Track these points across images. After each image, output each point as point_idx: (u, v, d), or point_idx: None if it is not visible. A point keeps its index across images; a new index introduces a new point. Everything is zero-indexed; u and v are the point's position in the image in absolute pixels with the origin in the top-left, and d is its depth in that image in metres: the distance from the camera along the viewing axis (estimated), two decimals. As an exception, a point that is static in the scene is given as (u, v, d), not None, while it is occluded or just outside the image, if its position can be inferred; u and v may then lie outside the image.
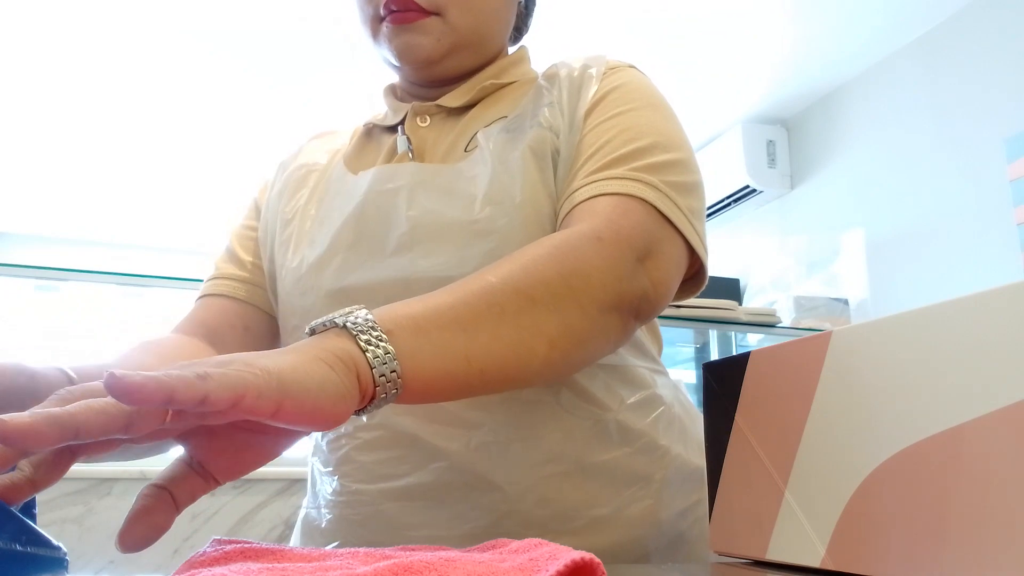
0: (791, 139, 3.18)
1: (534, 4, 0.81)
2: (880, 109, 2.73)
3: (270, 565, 0.35)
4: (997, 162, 2.24)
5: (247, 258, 0.77)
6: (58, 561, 0.38)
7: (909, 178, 2.56)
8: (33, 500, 0.39)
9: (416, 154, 0.70)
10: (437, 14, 0.68)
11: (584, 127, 0.65)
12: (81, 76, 2.84)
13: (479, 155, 0.66)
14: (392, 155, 0.72)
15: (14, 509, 0.36)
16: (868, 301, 2.67)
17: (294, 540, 0.73)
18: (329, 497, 0.68)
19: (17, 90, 2.93)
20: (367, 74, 2.69)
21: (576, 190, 0.61)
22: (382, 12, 0.69)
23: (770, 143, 3.15)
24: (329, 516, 0.68)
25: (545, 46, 0.87)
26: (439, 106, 0.72)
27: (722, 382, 0.51)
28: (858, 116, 2.83)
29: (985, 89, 2.32)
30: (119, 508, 2.04)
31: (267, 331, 0.76)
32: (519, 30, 0.80)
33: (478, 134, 0.68)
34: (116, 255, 4.36)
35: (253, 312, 0.75)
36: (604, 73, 0.69)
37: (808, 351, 0.43)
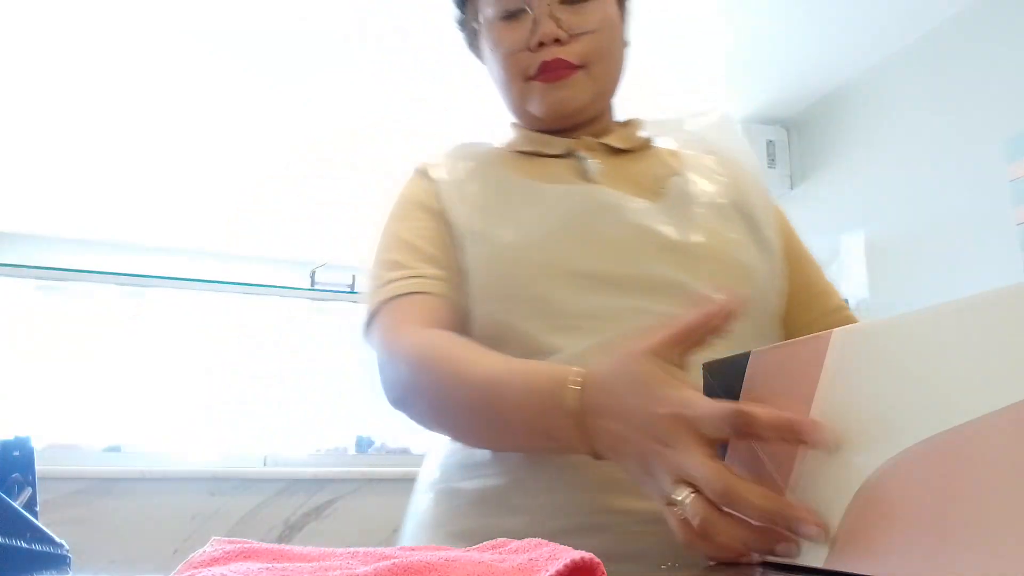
0: (791, 139, 3.18)
1: None
2: (880, 110, 2.73)
3: (270, 565, 0.35)
4: (997, 162, 2.24)
5: (441, 256, 0.75)
6: (61, 558, 0.38)
7: (909, 178, 2.56)
8: (35, 499, 0.39)
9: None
10: (584, 67, 0.74)
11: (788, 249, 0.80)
12: (81, 76, 2.84)
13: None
14: (582, 175, 0.77)
15: (18, 507, 0.36)
16: (868, 301, 2.67)
17: (419, 526, 0.72)
18: (512, 461, 0.66)
19: (17, 90, 2.93)
20: (367, 74, 2.69)
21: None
22: (533, 72, 0.74)
23: (770, 143, 3.15)
24: (500, 482, 0.66)
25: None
26: (603, 144, 0.79)
27: (722, 382, 0.51)
28: (858, 116, 2.83)
29: (985, 89, 2.32)
30: (119, 508, 2.04)
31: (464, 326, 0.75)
32: None
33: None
34: (116, 255, 4.36)
35: (462, 312, 0.74)
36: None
37: (808, 351, 0.43)
